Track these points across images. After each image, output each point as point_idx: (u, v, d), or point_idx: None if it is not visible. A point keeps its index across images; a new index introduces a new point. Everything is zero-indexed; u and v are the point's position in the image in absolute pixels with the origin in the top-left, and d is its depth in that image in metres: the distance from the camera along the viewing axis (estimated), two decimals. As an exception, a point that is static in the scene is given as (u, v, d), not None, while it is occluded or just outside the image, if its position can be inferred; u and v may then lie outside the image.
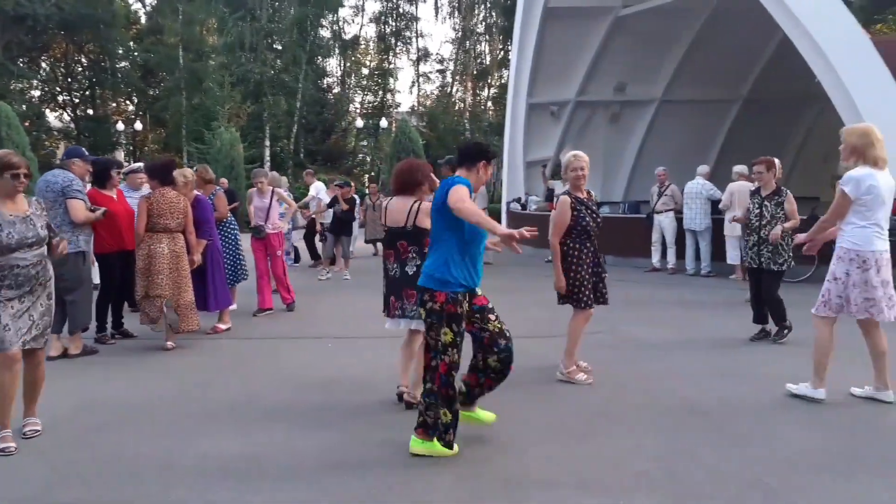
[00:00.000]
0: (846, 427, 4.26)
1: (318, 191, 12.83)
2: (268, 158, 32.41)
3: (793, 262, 6.42)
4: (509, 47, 39.10)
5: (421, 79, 41.39)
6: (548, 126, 16.91)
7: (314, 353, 6.29)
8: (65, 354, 5.97)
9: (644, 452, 3.84)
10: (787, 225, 6.23)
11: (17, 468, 3.67)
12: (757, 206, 6.47)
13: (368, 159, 40.25)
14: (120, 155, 37.33)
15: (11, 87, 33.72)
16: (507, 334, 3.90)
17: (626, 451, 3.86)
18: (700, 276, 11.08)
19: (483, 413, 4.11)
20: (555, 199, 13.60)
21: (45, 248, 4.04)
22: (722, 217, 10.92)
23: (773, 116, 17.64)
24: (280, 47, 35.21)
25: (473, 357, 3.94)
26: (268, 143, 32.85)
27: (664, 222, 11.49)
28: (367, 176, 37.04)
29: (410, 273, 4.47)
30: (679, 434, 4.14)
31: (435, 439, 3.73)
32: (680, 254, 11.47)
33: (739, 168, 10.38)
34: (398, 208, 4.63)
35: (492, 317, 3.89)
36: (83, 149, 6.91)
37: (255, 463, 3.72)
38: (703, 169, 11.49)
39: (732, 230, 10.14)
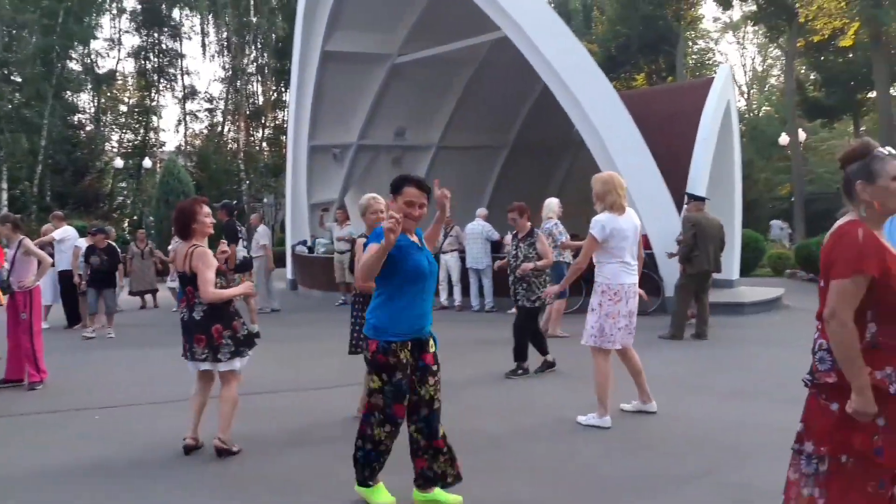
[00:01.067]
0: (633, 445, 4.56)
1: (69, 236, 11.10)
2: (5, 202, 28.24)
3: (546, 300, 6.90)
4: (283, 88, 38.78)
5: (188, 117, 39.12)
6: (331, 168, 16.78)
7: (77, 429, 5.36)
8: None
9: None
10: (539, 263, 6.64)
11: None
12: (514, 247, 6.87)
13: (129, 202, 36.91)
14: None
15: None
16: (435, 405, 3.50)
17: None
18: (484, 311, 11.59)
19: (442, 495, 3.55)
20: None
21: None
22: (502, 255, 11.57)
23: (536, 161, 19.28)
24: (20, 79, 31.13)
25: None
26: (5, 185, 28.67)
27: (450, 262, 11.86)
28: (127, 221, 33.89)
29: (197, 318, 4.43)
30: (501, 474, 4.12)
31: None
32: (465, 292, 11.89)
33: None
34: (180, 252, 4.57)
35: (430, 380, 3.50)
36: None
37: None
38: (482, 211, 12.14)
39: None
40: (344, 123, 16.60)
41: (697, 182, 11.36)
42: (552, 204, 9.35)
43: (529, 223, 6.97)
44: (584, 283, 10.64)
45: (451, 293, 12.11)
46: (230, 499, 3.83)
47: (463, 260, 11.84)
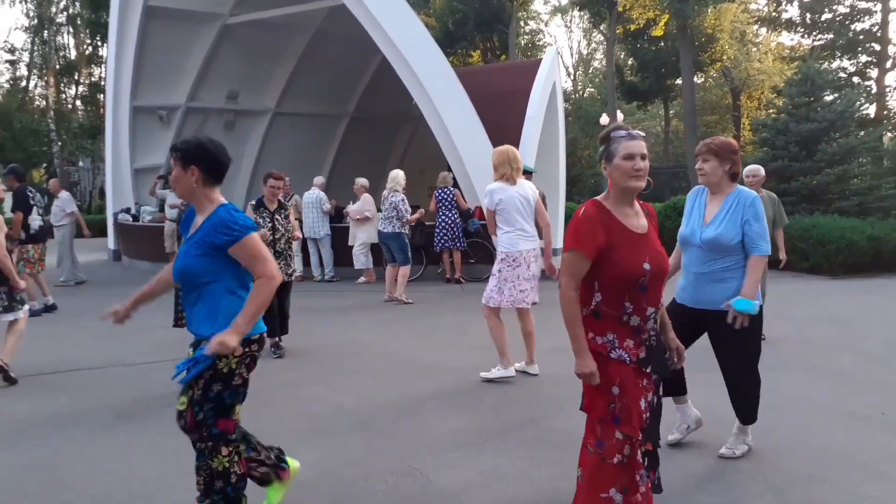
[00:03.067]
0: (488, 405, 4.91)
1: None
2: None
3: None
4: (99, 42, 35.35)
5: (-15, 69, 34.67)
6: (157, 131, 15.71)
7: None
8: None
9: (304, 459, 3.84)
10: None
11: None
12: (268, 219, 6.33)
13: None
14: None
15: None
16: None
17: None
18: (324, 280, 11.60)
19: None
20: (167, 209, 12.81)
21: None
22: (344, 226, 11.62)
23: (375, 133, 19.33)
24: None
25: None
26: None
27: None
28: None
29: None
30: (336, 435, 4.26)
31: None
32: (306, 262, 11.81)
33: (363, 181, 11.16)
34: None
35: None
36: None
37: None
38: (319, 180, 12.05)
39: (360, 239, 10.97)
40: (171, 84, 15.58)
41: (526, 156, 12.01)
42: (398, 177, 9.54)
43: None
44: (423, 252, 11.09)
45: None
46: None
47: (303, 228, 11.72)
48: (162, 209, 13.48)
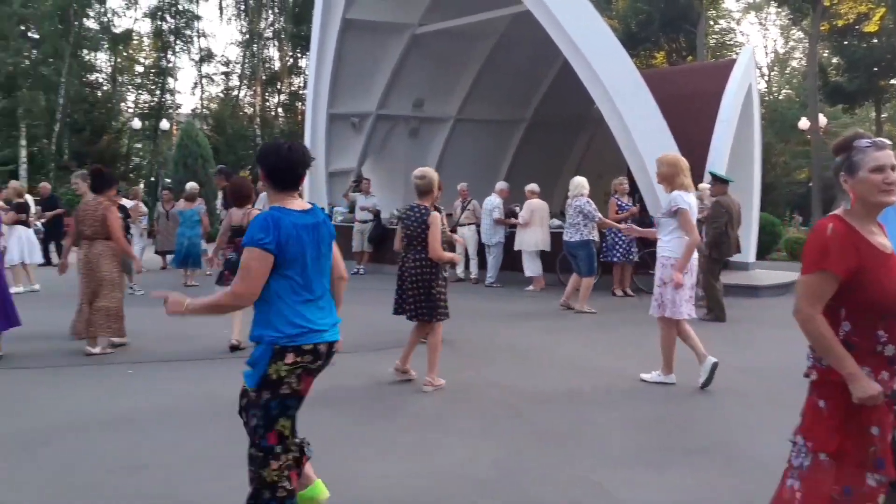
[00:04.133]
0: (656, 418, 4.73)
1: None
2: (24, 159, 28.48)
3: None
4: (299, 54, 38.63)
5: (204, 80, 39.12)
6: (350, 137, 16.83)
7: (112, 383, 5.58)
8: None
9: (482, 461, 3.92)
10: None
11: None
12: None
13: (145, 163, 37.10)
14: None
15: None
16: None
17: (463, 460, 3.92)
18: (484, 285, 11.65)
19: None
20: (357, 211, 13.69)
21: None
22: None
23: (552, 138, 19.24)
24: (38, 36, 31.17)
25: None
26: (24, 142, 28.85)
27: (466, 235, 11.97)
28: (143, 182, 34.03)
29: None
30: (513, 439, 4.30)
31: None
32: (482, 264, 12.03)
33: (532, 186, 11.18)
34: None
35: None
36: None
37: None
38: (500, 185, 12.16)
39: (527, 245, 10.97)
40: (363, 92, 16.61)
41: (717, 163, 11.39)
42: (582, 182, 9.44)
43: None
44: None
45: (467, 266, 12.25)
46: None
47: (480, 234, 11.96)
48: (352, 210, 14.41)
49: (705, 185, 9.74)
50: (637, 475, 3.78)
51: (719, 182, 9.04)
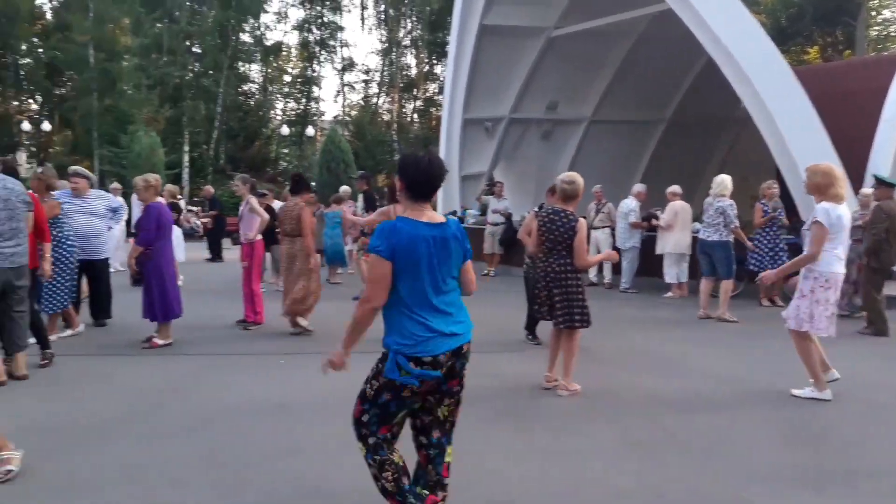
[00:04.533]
0: (807, 434, 4.45)
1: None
2: (187, 164, 31.21)
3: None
4: (434, 60, 39.57)
5: (346, 88, 41.02)
6: (482, 141, 17.07)
7: (264, 372, 6.02)
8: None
9: (622, 469, 3.86)
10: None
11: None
12: None
13: (291, 167, 39.39)
14: (22, 157, 35.02)
15: None
16: None
17: (603, 470, 3.88)
18: (618, 291, 11.35)
19: None
20: (489, 214, 13.83)
21: None
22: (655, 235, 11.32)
23: (692, 139, 18.48)
24: (200, 51, 34.05)
25: None
26: (187, 148, 31.63)
27: (600, 238, 11.76)
28: (288, 186, 36.15)
29: None
30: (654, 449, 4.20)
31: None
32: (616, 269, 11.77)
33: (674, 188, 10.80)
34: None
35: None
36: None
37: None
38: (637, 188, 11.82)
39: (669, 248, 10.59)
40: (497, 97, 16.78)
41: (880, 165, 10.48)
42: (725, 181, 8.96)
43: None
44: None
45: (600, 269, 12.04)
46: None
47: (615, 237, 11.72)
48: (484, 213, 14.59)
49: (868, 190, 8.99)
50: (794, 495, 3.57)
51: (883, 185, 8.28)
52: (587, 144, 17.86)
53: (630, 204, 11.41)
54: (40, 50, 35.51)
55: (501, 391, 5.41)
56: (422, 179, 2.82)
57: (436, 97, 39.57)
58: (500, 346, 6.86)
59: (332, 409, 4.83)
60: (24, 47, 35.42)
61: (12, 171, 6.06)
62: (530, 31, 15.94)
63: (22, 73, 35.64)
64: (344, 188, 12.95)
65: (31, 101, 37.61)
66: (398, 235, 2.71)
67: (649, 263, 11.31)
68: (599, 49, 16.46)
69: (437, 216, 2.86)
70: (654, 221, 11.08)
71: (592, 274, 12.01)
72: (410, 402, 2.83)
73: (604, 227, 11.80)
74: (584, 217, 11.05)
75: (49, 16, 36.70)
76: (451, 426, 2.97)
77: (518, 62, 16.44)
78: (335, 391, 5.27)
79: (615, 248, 11.69)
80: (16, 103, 37.32)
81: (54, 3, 36.68)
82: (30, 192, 5.79)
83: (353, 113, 40.94)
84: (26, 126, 31.90)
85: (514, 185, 16.70)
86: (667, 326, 8.51)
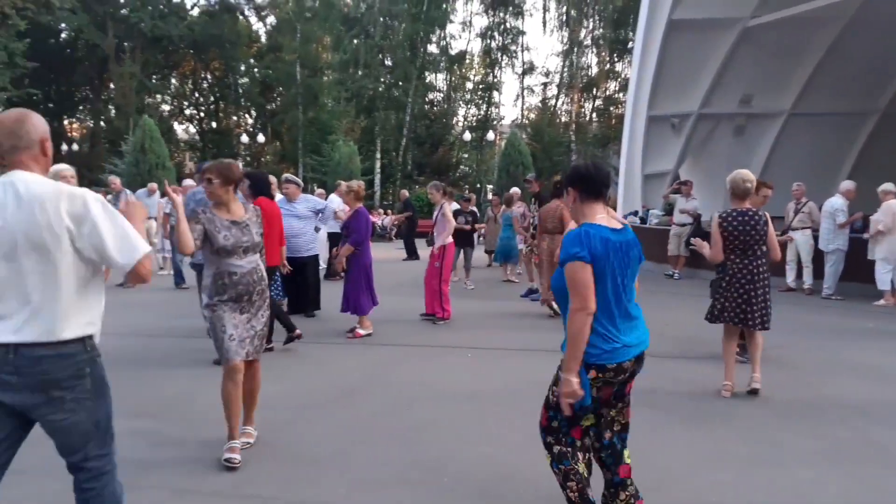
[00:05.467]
0: None
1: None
2: (378, 170, 33.35)
3: None
4: (616, 59, 38.74)
5: (525, 92, 41.45)
6: (668, 138, 16.53)
7: (453, 364, 6.42)
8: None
9: (825, 482, 3.70)
10: None
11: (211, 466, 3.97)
12: None
13: (471, 171, 40.58)
14: (239, 165, 39.38)
15: (147, 102, 36.44)
16: None
17: (804, 482, 3.73)
18: (825, 298, 10.43)
19: None
20: (676, 213, 13.37)
21: (258, 256, 4.02)
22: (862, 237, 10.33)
23: (915, 130, 16.51)
24: (391, 63, 36.23)
25: None
26: (378, 155, 33.82)
27: (800, 240, 10.95)
28: (467, 189, 37.29)
29: None
30: (862, 463, 3.96)
31: None
32: (818, 274, 10.90)
33: (887, 186, 9.81)
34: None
35: None
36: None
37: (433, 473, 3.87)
38: (845, 185, 10.83)
39: (882, 253, 9.65)
40: (685, 92, 16.16)
41: None
42: None
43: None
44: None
45: (799, 274, 11.20)
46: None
47: (816, 239, 10.86)
48: (669, 212, 14.14)
49: None
50: None
51: None
52: (785, 139, 16.62)
53: (837, 203, 10.50)
54: (255, 70, 39.87)
55: (686, 396, 5.34)
56: (591, 175, 2.85)
57: (615, 96, 38.72)
58: (688, 353, 6.72)
59: (522, 400, 5.08)
60: (242, 68, 39.96)
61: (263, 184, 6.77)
62: (723, 22, 15.17)
63: (240, 91, 40.24)
64: (514, 190, 13.24)
65: (247, 115, 42.33)
66: (593, 241, 2.70)
67: (858, 267, 10.34)
68: (801, 36, 15.25)
69: (616, 221, 2.85)
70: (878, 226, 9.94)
71: (790, 279, 11.20)
72: (593, 404, 2.84)
73: (804, 227, 10.96)
74: (783, 217, 10.37)
75: (263, 38, 41.06)
76: (623, 428, 2.96)
77: (709, 55, 15.71)
78: (523, 383, 5.54)
79: (817, 251, 10.86)
80: (235, 118, 42.19)
81: (268, 27, 40.97)
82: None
83: (532, 116, 41.26)
84: (244, 139, 35.96)
85: (702, 183, 15.97)
86: (875, 337, 7.77)
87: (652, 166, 16.71)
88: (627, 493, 2.93)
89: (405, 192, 18.61)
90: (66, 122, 40.25)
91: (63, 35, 37.16)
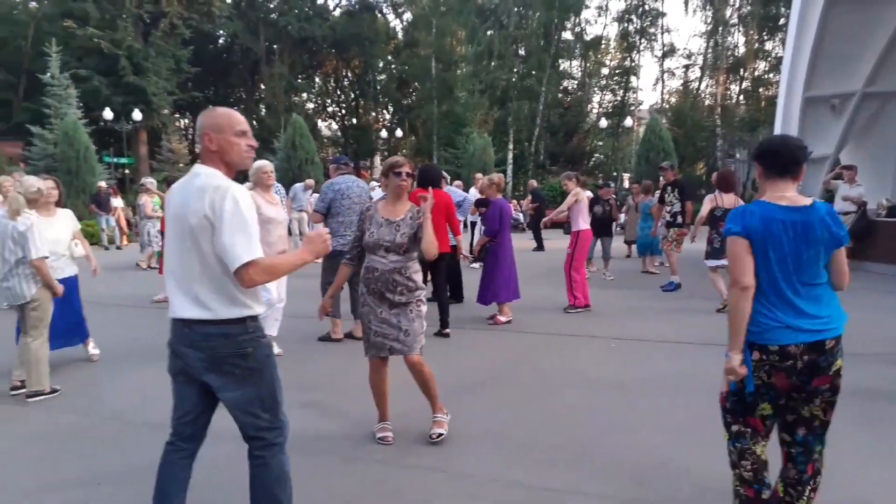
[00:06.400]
0: None
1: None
2: (510, 161, 33.42)
3: None
4: (766, 37, 36.19)
5: (665, 75, 39.80)
6: (826, 121, 15.33)
7: (596, 353, 6.41)
8: (350, 335, 6.73)
9: None
10: None
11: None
12: None
13: (606, 159, 39.64)
14: (377, 160, 41.02)
15: (294, 101, 38.75)
16: None
17: None
18: None
19: None
20: (837, 201, 12.39)
21: (404, 258, 3.94)
22: None
23: None
24: (524, 53, 36.10)
25: None
26: (511, 146, 33.88)
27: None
28: (601, 177, 36.42)
29: None
30: None
31: None
32: None
33: None
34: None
35: None
36: (346, 157, 7.67)
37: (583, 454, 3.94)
38: None
39: None
40: (847, 70, 14.87)
41: None
42: None
43: None
44: None
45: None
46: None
47: None
48: (829, 201, 13.17)
49: None
50: None
51: None
52: (969, 118, 14.92)
53: None
54: (392, 66, 41.23)
55: (858, 394, 5.02)
56: (775, 150, 2.76)
57: (765, 76, 36.31)
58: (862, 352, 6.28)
59: (670, 391, 5.02)
60: (380, 65, 41.45)
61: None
62: (892, -9, 13.82)
63: (378, 87, 41.79)
64: (646, 181, 12.89)
65: (385, 111, 43.90)
66: (751, 217, 2.67)
67: None
68: None
69: (802, 199, 2.70)
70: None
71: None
72: (767, 394, 2.72)
73: None
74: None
75: (400, 35, 42.35)
76: (820, 426, 2.77)
77: (877, 29, 14.35)
78: (670, 375, 5.46)
79: None
80: (374, 114, 43.88)
81: (405, 23, 42.19)
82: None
83: (672, 100, 39.60)
84: (383, 134, 37.33)
85: (866, 168, 14.68)
86: None
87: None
88: (803, 489, 2.83)
89: (533, 182, 18.53)
90: (223, 121, 43.61)
91: (220, 41, 40.26)
